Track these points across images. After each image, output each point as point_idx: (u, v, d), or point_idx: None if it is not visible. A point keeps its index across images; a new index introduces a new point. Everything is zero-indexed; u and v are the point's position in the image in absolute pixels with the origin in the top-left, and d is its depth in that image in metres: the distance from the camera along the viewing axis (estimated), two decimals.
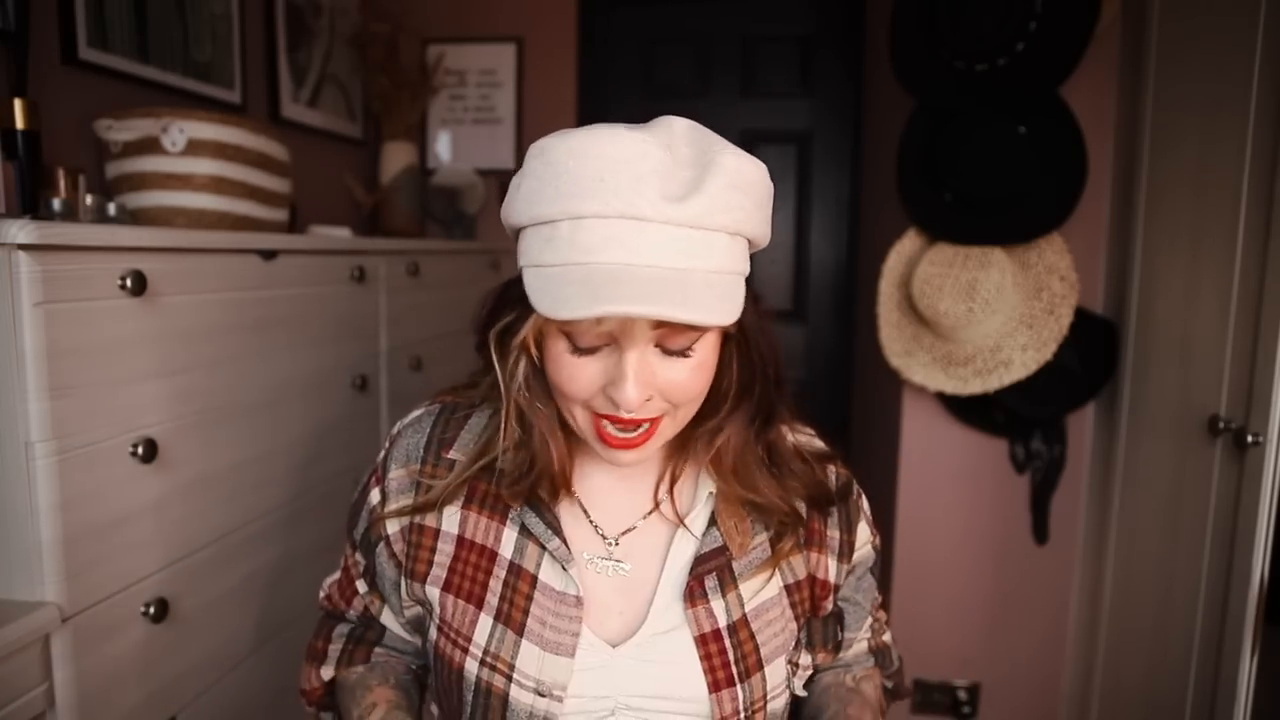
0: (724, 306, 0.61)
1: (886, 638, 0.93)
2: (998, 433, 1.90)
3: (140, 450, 1.09)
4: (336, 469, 1.55)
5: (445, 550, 0.78)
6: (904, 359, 1.81)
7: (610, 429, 0.68)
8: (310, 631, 0.95)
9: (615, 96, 2.73)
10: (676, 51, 2.72)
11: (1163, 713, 1.52)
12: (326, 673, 0.88)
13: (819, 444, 0.86)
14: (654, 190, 0.59)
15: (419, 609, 0.83)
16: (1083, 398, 1.80)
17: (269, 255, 1.37)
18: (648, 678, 0.74)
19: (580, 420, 0.70)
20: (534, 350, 0.70)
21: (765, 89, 2.71)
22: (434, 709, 0.87)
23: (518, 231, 0.67)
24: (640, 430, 0.68)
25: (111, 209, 1.33)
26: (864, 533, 0.84)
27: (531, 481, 0.75)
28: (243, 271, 1.31)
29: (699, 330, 0.64)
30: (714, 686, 0.74)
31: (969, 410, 1.88)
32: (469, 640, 0.76)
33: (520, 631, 0.74)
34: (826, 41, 2.66)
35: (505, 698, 0.74)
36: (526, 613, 0.74)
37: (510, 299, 0.71)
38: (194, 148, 1.39)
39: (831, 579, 0.80)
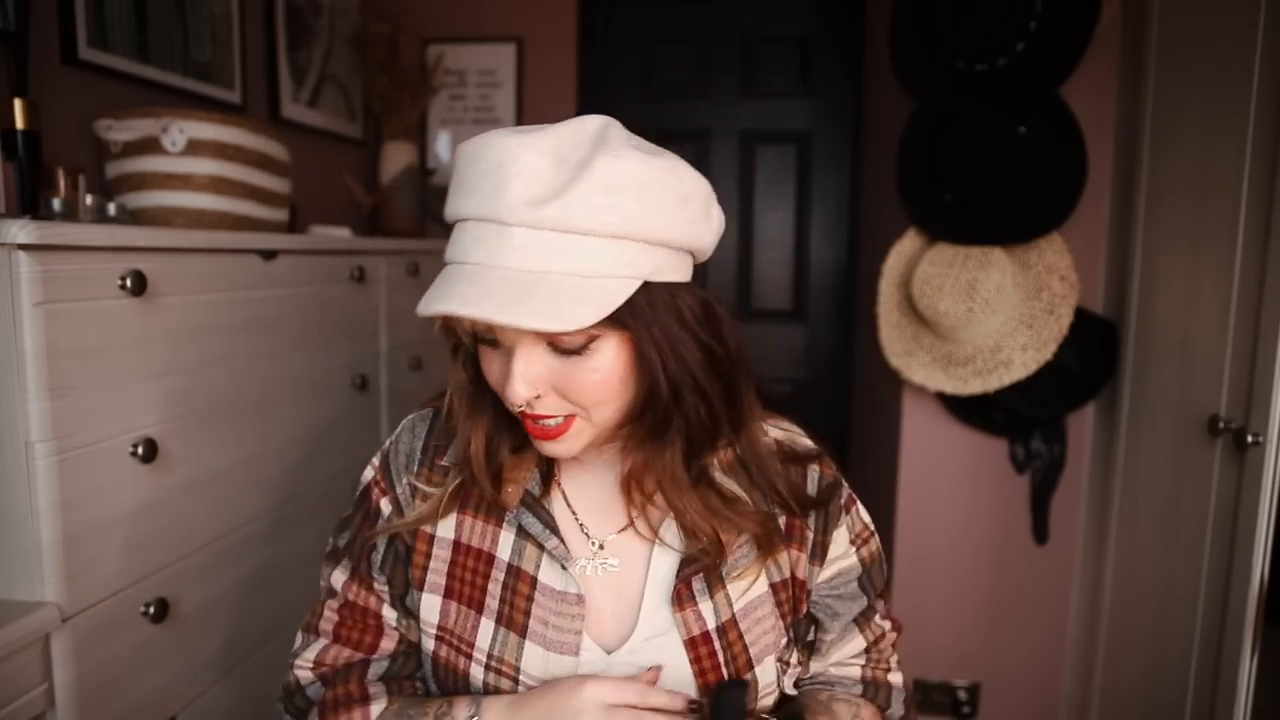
0: (572, 313, 0.60)
1: (894, 678, 0.86)
2: (998, 433, 1.90)
3: (140, 450, 1.09)
4: (336, 468, 1.55)
5: (441, 556, 0.77)
6: (904, 359, 1.81)
7: (528, 419, 0.69)
8: None
9: (615, 97, 2.73)
10: (676, 51, 2.72)
11: (1163, 713, 1.52)
12: (377, 709, 0.76)
13: (804, 441, 0.83)
14: (516, 194, 0.60)
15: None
16: (1083, 398, 1.80)
17: (269, 255, 1.37)
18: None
19: (512, 412, 0.71)
20: (466, 341, 0.71)
21: (765, 89, 2.71)
22: None
23: None
24: (555, 421, 0.68)
25: (111, 209, 1.33)
26: (842, 539, 0.81)
27: (470, 472, 0.76)
28: (243, 271, 1.31)
29: (585, 332, 0.63)
30: (704, 690, 0.74)
31: (969, 410, 1.88)
32: (472, 646, 0.75)
33: (523, 634, 0.74)
34: (826, 41, 2.66)
35: None
36: (528, 614, 0.74)
37: None
38: (194, 148, 1.39)
39: (803, 577, 0.79)
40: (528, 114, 2.67)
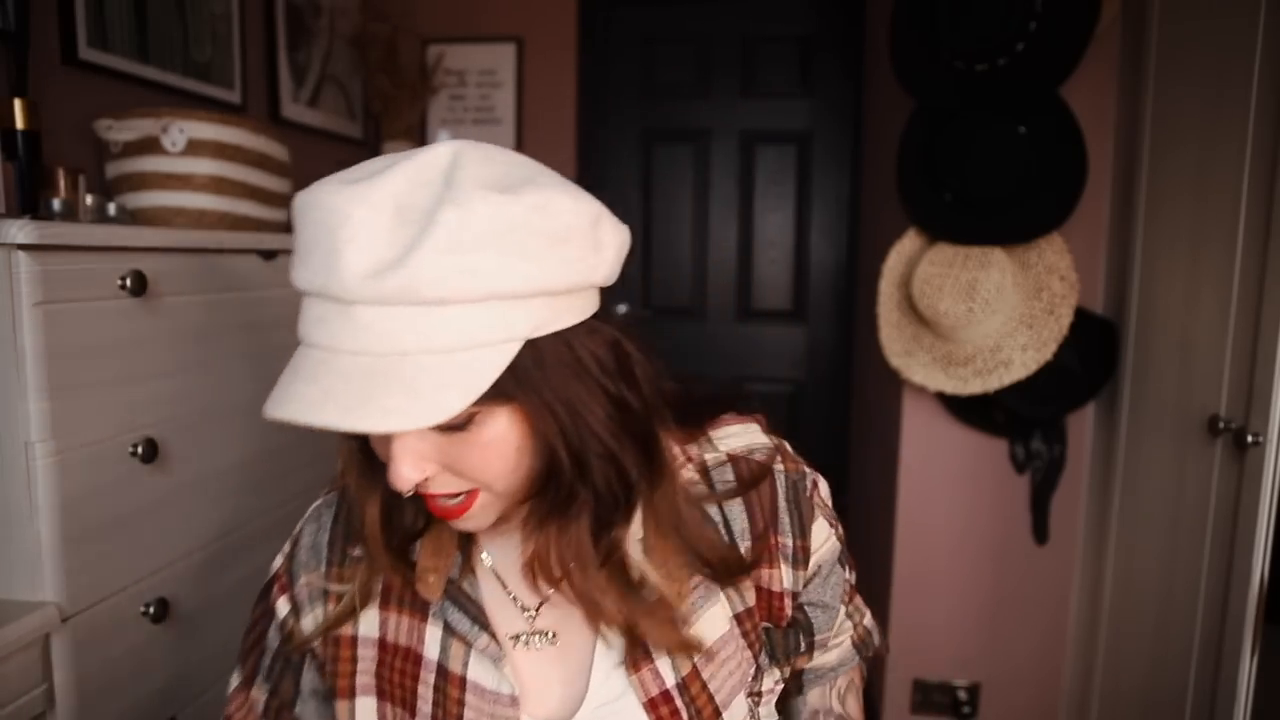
0: (434, 402, 0.51)
1: (867, 621, 0.83)
2: (998, 433, 1.90)
3: (140, 450, 1.09)
4: (337, 468, 1.55)
5: (368, 656, 0.69)
6: (904, 359, 1.81)
7: (428, 498, 0.61)
8: None
9: (615, 97, 2.73)
10: (676, 52, 2.72)
11: (1163, 712, 1.52)
12: None
13: (760, 440, 0.73)
14: (351, 265, 0.50)
15: None
16: (1083, 398, 1.80)
17: (269, 255, 1.37)
18: None
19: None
20: None
21: (765, 89, 2.71)
22: None
23: None
24: (456, 501, 0.60)
25: (111, 209, 1.34)
26: (821, 531, 0.73)
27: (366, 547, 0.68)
28: (243, 271, 1.31)
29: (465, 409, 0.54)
30: None
31: (969, 410, 1.88)
32: None
33: None
34: (826, 42, 2.66)
35: None
36: (460, 718, 0.67)
37: None
38: (194, 148, 1.39)
39: (787, 587, 0.71)
40: (528, 114, 2.67)
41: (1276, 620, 1.40)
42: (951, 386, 1.74)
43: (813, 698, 0.81)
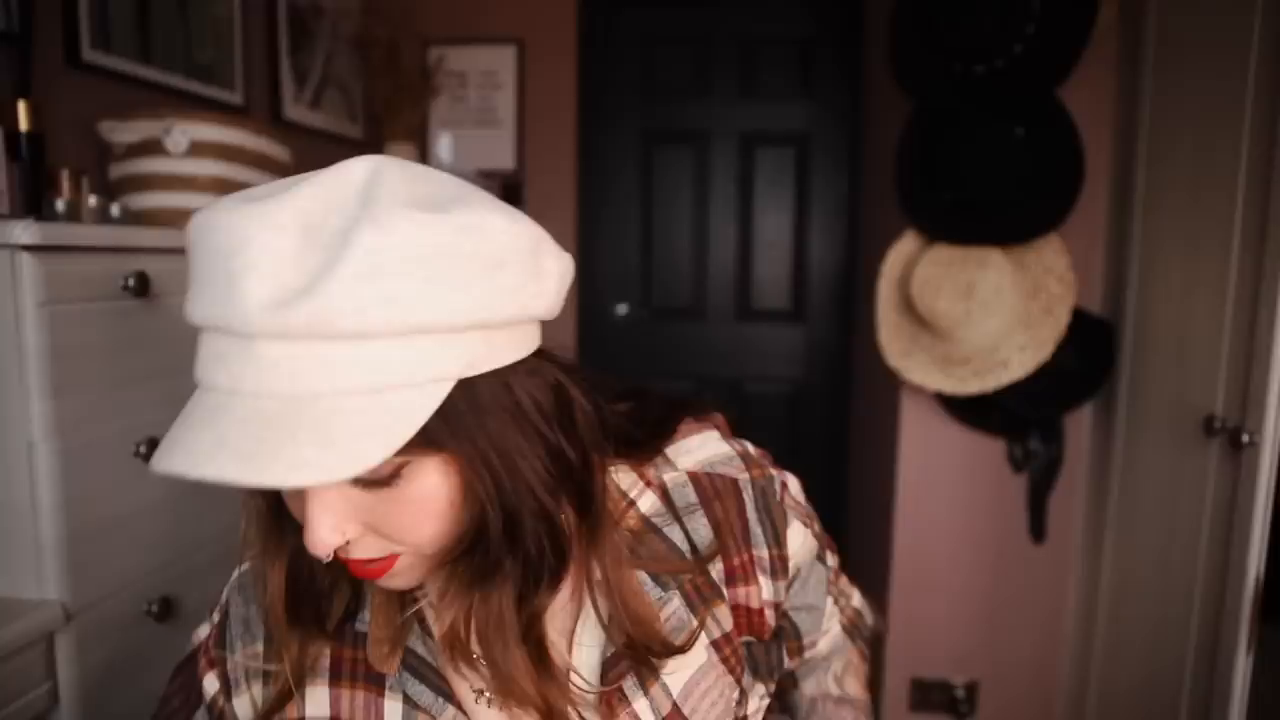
0: (352, 452, 0.43)
1: (855, 602, 0.81)
2: (995, 433, 1.90)
3: (143, 449, 1.09)
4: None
5: None
6: (903, 359, 1.81)
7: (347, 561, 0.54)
8: None
9: (615, 98, 2.74)
10: (676, 53, 2.73)
11: (1159, 710, 1.53)
12: None
13: (722, 450, 0.67)
14: (254, 294, 0.43)
15: None
16: (1080, 398, 1.81)
17: None
18: None
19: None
20: None
21: (765, 91, 2.72)
22: None
23: None
24: (376, 563, 0.53)
25: (114, 210, 1.34)
26: (797, 536, 0.68)
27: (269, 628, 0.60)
28: None
29: (390, 460, 0.46)
30: None
31: (967, 410, 1.88)
32: None
33: None
34: (826, 43, 2.67)
35: None
36: None
37: None
38: (196, 149, 1.40)
39: (768, 599, 0.66)
40: (528, 116, 2.68)
41: (1271, 619, 1.41)
42: (950, 387, 1.74)
43: (808, 687, 0.81)
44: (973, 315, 1.66)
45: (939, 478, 1.96)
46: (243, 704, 0.63)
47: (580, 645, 0.62)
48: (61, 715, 1.00)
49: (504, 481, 0.51)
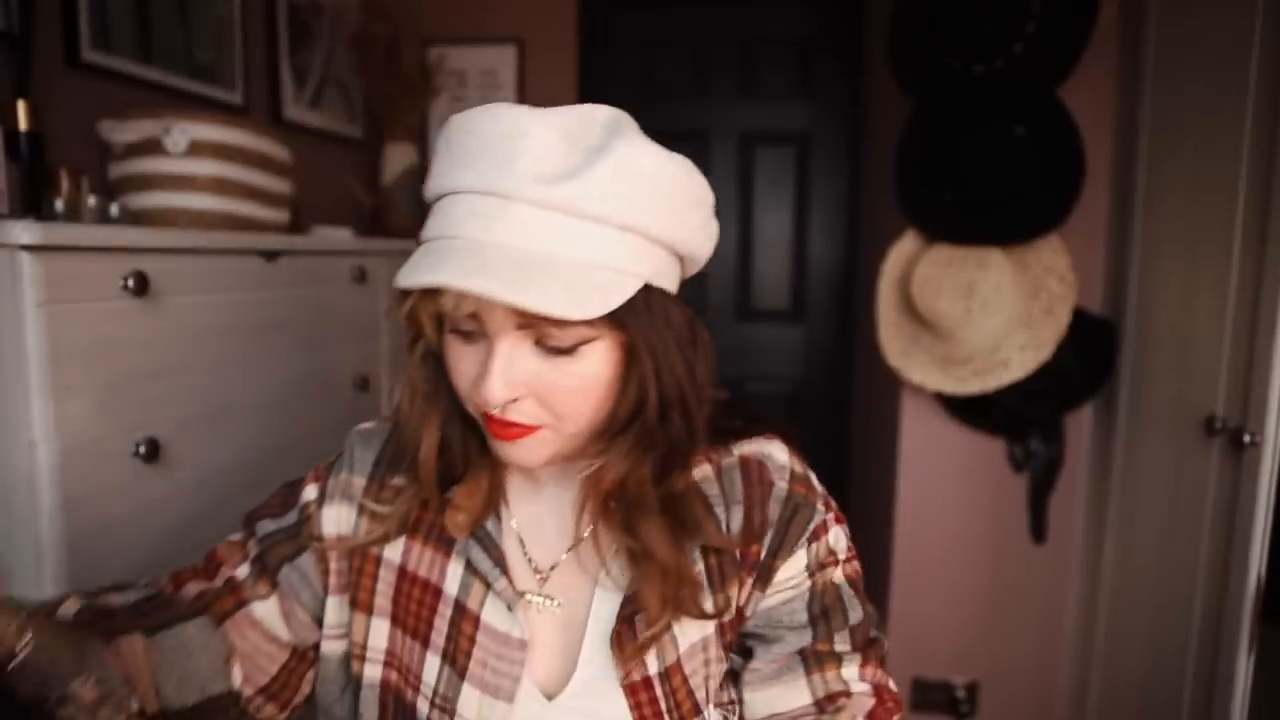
0: (585, 300, 0.55)
1: None
2: (996, 432, 1.90)
3: (143, 450, 1.09)
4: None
5: (388, 580, 0.73)
6: (903, 359, 1.81)
7: (493, 422, 0.63)
8: None
9: (615, 98, 2.69)
10: (676, 53, 2.73)
11: (1160, 712, 1.53)
12: (70, 603, 0.68)
13: (776, 456, 0.72)
14: (526, 168, 0.56)
15: (345, 644, 0.75)
16: (1081, 397, 1.81)
17: (271, 256, 1.38)
18: None
19: (474, 414, 0.66)
20: (428, 330, 0.65)
21: (765, 90, 2.71)
22: None
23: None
24: (519, 428, 0.62)
25: (114, 210, 1.34)
26: (795, 565, 0.69)
27: (412, 472, 0.71)
28: (245, 272, 1.32)
29: (578, 330, 0.59)
30: None
31: (967, 410, 1.88)
32: (419, 679, 0.71)
33: (462, 675, 0.69)
34: (826, 43, 2.66)
35: None
36: (469, 655, 0.69)
37: None
38: (196, 149, 1.40)
39: (742, 603, 0.69)
40: None
41: (1272, 619, 1.40)
42: (950, 386, 1.74)
43: None
44: (973, 315, 1.66)
45: (939, 478, 1.96)
46: (329, 514, 0.75)
47: (605, 575, 0.69)
48: None
49: (662, 371, 0.62)
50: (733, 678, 0.71)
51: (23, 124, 1.21)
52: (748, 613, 0.69)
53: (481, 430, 0.66)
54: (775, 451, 0.72)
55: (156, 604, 0.72)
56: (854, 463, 2.69)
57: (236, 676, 0.73)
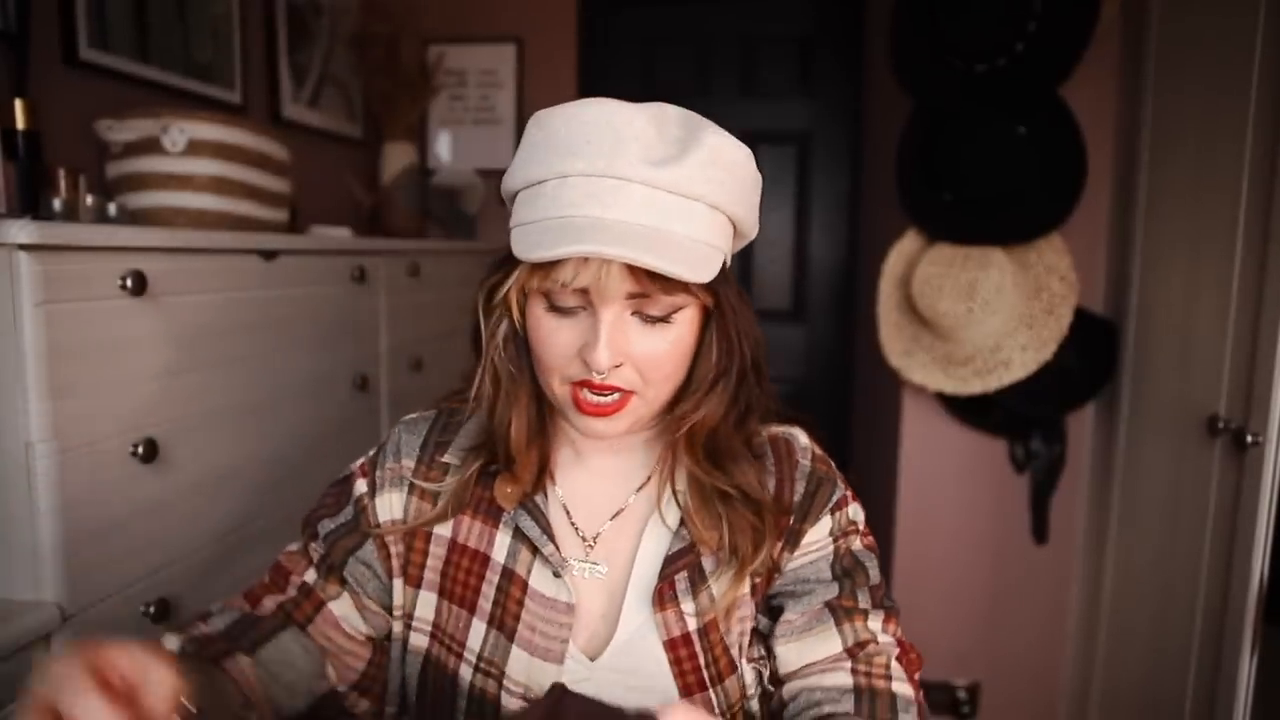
0: (698, 267, 0.63)
1: (897, 687, 0.72)
2: (997, 433, 1.90)
3: (141, 450, 1.09)
4: (337, 469, 1.54)
5: (437, 554, 0.77)
6: (904, 359, 1.81)
7: (586, 394, 0.68)
8: None
9: (615, 97, 2.72)
10: (676, 52, 2.72)
11: (1162, 713, 1.52)
12: (170, 641, 0.67)
13: (800, 438, 0.82)
14: (635, 153, 0.63)
15: (387, 617, 0.79)
16: (1082, 398, 1.80)
17: (269, 255, 1.38)
18: (624, 687, 0.72)
19: (557, 390, 0.70)
20: (516, 312, 0.71)
21: (765, 89, 2.71)
22: None
23: (511, 200, 0.71)
24: (612, 398, 0.68)
25: (112, 209, 1.34)
26: (820, 530, 0.76)
27: (489, 448, 0.75)
28: (243, 272, 1.31)
29: (676, 299, 0.66)
30: (684, 691, 0.72)
31: (969, 410, 1.88)
32: (463, 646, 0.75)
33: (511, 637, 0.74)
34: (826, 42, 2.66)
35: (498, 704, 0.73)
36: (518, 618, 0.74)
37: (496, 264, 0.73)
38: (194, 148, 1.40)
39: (775, 559, 0.75)
40: (528, 115, 2.65)
41: (1276, 620, 1.40)
42: (951, 386, 1.74)
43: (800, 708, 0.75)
44: (974, 315, 1.66)
45: (940, 478, 1.96)
46: (382, 502, 0.78)
47: (647, 539, 0.76)
48: None
49: (743, 334, 0.73)
50: (758, 636, 0.76)
51: (20, 123, 1.20)
52: (777, 573, 0.76)
53: (559, 405, 0.72)
54: (799, 434, 0.82)
55: (246, 624, 0.75)
56: (855, 463, 2.68)
57: (331, 675, 0.78)
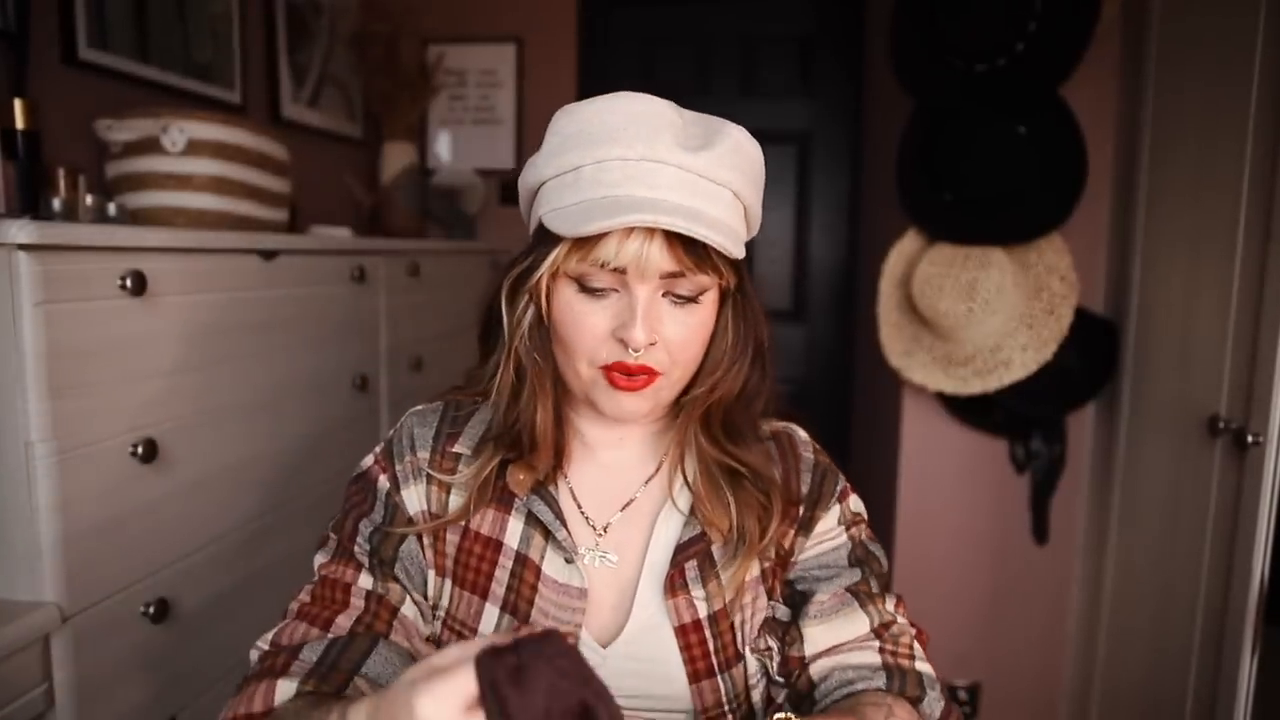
0: (734, 244, 0.67)
1: (921, 666, 0.78)
2: (997, 433, 1.90)
3: (140, 450, 1.09)
4: (336, 469, 1.55)
5: (452, 541, 0.78)
6: (904, 359, 1.81)
7: (617, 374, 0.71)
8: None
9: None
10: (676, 52, 2.72)
11: (1163, 713, 1.52)
12: (284, 688, 0.67)
13: (799, 432, 0.86)
14: (670, 139, 0.67)
15: (430, 613, 0.81)
16: (1083, 398, 1.80)
17: (269, 255, 1.37)
18: (635, 675, 0.74)
19: (584, 374, 0.72)
20: (543, 302, 0.73)
21: (765, 89, 2.71)
22: None
23: (536, 191, 0.72)
24: (641, 379, 0.71)
25: (111, 209, 1.33)
26: (831, 518, 0.80)
27: (515, 438, 0.76)
28: (243, 271, 1.31)
29: (704, 279, 0.69)
30: (693, 677, 0.74)
31: (969, 410, 1.88)
32: (474, 632, 0.76)
33: (525, 622, 0.75)
34: (826, 42, 2.66)
35: None
36: (532, 603, 0.75)
37: (522, 255, 0.75)
38: (194, 148, 1.39)
39: (788, 548, 0.78)
40: (528, 114, 2.67)
41: (1277, 621, 1.40)
42: (951, 386, 1.74)
43: (840, 676, 0.76)
44: (974, 315, 1.65)
45: (940, 478, 1.96)
46: (408, 496, 0.79)
47: (661, 526, 0.78)
48: (58, 717, 1.00)
49: (759, 317, 0.77)
50: (773, 627, 0.77)
51: (20, 123, 1.20)
52: (793, 559, 0.78)
53: (583, 390, 0.74)
54: (797, 429, 0.85)
55: (338, 648, 0.72)
56: (855, 463, 2.68)
57: None
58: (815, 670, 0.75)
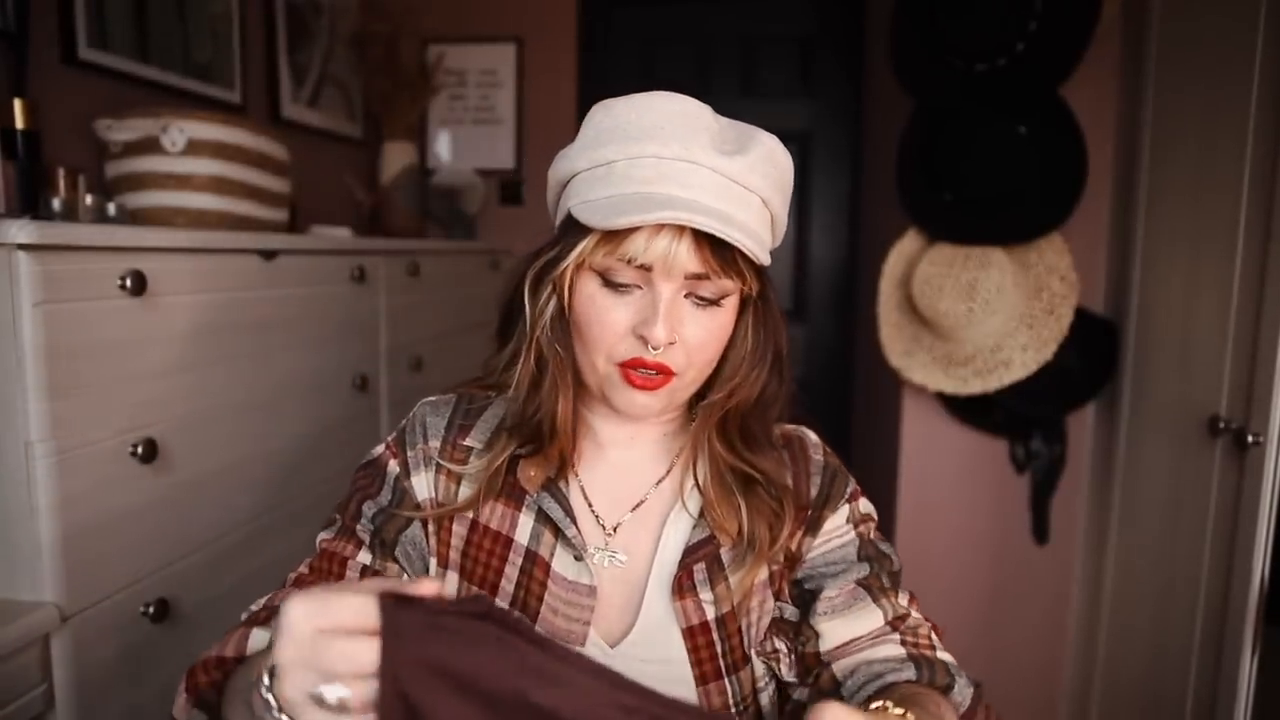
0: (761, 250, 0.67)
1: (944, 655, 0.78)
2: (998, 433, 1.90)
3: (140, 450, 1.09)
4: (336, 468, 1.55)
5: (460, 534, 0.78)
6: (904, 359, 1.81)
7: (634, 371, 0.71)
8: None
9: (615, 97, 2.73)
10: (676, 52, 2.72)
11: (1163, 713, 1.52)
12: (259, 636, 0.68)
13: (809, 434, 0.86)
14: (706, 141, 0.68)
15: None
16: (1083, 398, 1.80)
17: (269, 255, 1.37)
18: (642, 676, 0.72)
19: (601, 368, 0.72)
20: (565, 294, 0.72)
21: (765, 89, 2.71)
22: None
23: (566, 183, 0.73)
24: (658, 378, 0.71)
25: (111, 209, 1.33)
26: (839, 517, 0.79)
27: (532, 429, 0.76)
28: (243, 271, 1.31)
29: (728, 283, 0.69)
30: (700, 679, 0.74)
31: (969, 410, 1.88)
32: None
33: (534, 619, 0.75)
34: (826, 42, 2.66)
35: None
36: (541, 600, 0.75)
37: (547, 246, 0.75)
38: (194, 148, 1.39)
39: (794, 547, 0.78)
40: (528, 114, 2.67)
41: (1277, 620, 1.40)
42: (951, 386, 1.73)
43: (871, 669, 0.75)
44: (975, 315, 1.65)
45: (941, 478, 1.96)
46: (418, 482, 0.79)
47: (670, 528, 0.77)
48: (57, 717, 1.00)
49: (779, 324, 0.77)
50: (782, 628, 0.77)
51: (20, 122, 1.20)
52: (800, 559, 0.78)
53: (599, 384, 0.74)
54: (808, 433, 0.85)
55: None
56: (855, 463, 2.67)
57: None
58: (839, 668, 0.75)
